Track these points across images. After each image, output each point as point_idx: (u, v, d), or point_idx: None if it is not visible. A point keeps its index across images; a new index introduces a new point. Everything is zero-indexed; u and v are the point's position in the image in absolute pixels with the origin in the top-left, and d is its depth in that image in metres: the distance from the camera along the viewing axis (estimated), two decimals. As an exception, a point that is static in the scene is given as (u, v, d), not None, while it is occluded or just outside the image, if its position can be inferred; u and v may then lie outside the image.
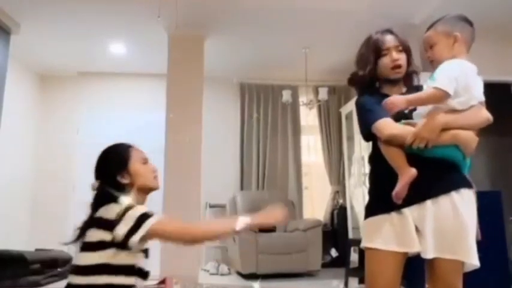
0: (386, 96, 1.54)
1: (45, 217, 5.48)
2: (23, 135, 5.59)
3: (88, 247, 1.38)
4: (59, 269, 4.22)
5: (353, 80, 1.67)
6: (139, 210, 1.38)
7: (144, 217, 1.37)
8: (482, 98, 1.51)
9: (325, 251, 5.31)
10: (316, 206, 6.30)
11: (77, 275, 1.37)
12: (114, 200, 1.44)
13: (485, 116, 1.48)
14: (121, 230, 1.34)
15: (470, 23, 1.56)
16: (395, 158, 1.46)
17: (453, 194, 1.42)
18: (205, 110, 4.48)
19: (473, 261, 1.40)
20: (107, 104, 5.85)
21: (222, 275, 5.03)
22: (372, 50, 1.59)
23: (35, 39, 4.85)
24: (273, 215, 1.49)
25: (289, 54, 5.25)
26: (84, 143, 5.73)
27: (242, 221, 1.41)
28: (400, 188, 1.42)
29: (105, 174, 1.54)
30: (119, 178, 1.51)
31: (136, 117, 5.60)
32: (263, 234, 4.85)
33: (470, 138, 1.44)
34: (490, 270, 3.00)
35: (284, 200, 5.68)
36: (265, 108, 6.09)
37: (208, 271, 5.05)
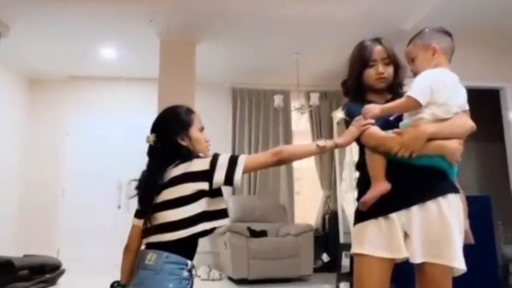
0: (372, 103, 1.59)
1: (33, 222, 5.41)
2: (11, 139, 5.52)
3: (180, 202, 1.45)
4: (47, 275, 4.16)
5: (344, 87, 1.71)
6: (225, 154, 1.50)
7: (234, 157, 1.49)
8: (466, 107, 1.54)
9: (317, 255, 5.31)
10: (307, 211, 6.31)
11: (174, 230, 1.43)
12: (187, 158, 1.50)
13: (469, 124, 1.51)
14: (220, 175, 1.45)
15: (449, 34, 1.59)
16: (375, 167, 1.50)
17: (440, 199, 1.44)
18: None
19: (459, 265, 1.42)
20: (98, 108, 5.82)
21: (213, 280, 5.00)
22: (360, 59, 1.63)
23: (25, 42, 4.81)
24: (349, 131, 1.55)
25: (281, 60, 5.27)
26: (74, 148, 5.69)
27: (324, 141, 1.56)
28: (370, 198, 1.46)
29: (165, 133, 1.59)
30: (178, 139, 1.57)
31: (127, 122, 5.57)
32: (254, 239, 4.84)
33: (455, 148, 1.46)
34: (480, 274, 3.03)
35: (276, 205, 5.69)
36: (257, 113, 6.11)
37: (199, 276, 5.01)
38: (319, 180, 6.12)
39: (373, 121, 1.50)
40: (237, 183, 1.46)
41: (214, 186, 1.46)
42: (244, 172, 1.47)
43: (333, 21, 4.27)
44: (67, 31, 4.57)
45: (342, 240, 5.33)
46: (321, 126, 6.23)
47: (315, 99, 5.23)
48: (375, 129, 1.50)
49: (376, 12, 4.06)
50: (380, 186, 1.45)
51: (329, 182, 6.09)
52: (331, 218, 5.79)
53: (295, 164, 6.15)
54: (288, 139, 6.14)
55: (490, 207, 3.37)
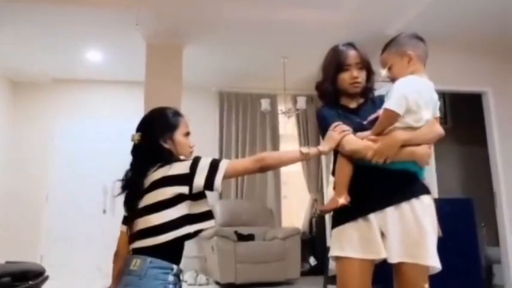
0: (345, 107, 1.66)
1: (16, 228, 5.29)
2: (-6, 143, 5.41)
3: (160, 206, 1.43)
4: (30, 282, 4.05)
5: (318, 90, 1.74)
6: (206, 158, 1.48)
7: (215, 161, 1.46)
8: (437, 114, 1.61)
9: (304, 259, 5.32)
10: (294, 214, 6.32)
11: (157, 235, 1.41)
12: (168, 161, 1.48)
13: (438, 131, 1.57)
14: (200, 179, 1.42)
15: (422, 40, 1.64)
16: (342, 176, 1.57)
17: (413, 201, 1.50)
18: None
19: (433, 263, 1.46)
20: (82, 112, 5.75)
21: (200, 285, 4.97)
22: (335, 63, 1.66)
23: (8, 43, 4.72)
24: (330, 138, 1.55)
25: (268, 64, 5.29)
26: (58, 152, 5.61)
27: (307, 148, 1.55)
28: (328, 209, 1.57)
29: (149, 133, 1.57)
30: (161, 141, 1.55)
31: (112, 125, 5.51)
32: (242, 244, 4.83)
33: (424, 153, 1.53)
34: (464, 275, 3.08)
35: (263, 209, 5.69)
36: (244, 117, 6.11)
37: (186, 281, 4.97)
38: (306, 184, 6.14)
39: (351, 129, 1.55)
40: (217, 188, 1.44)
41: (194, 190, 1.44)
42: (225, 177, 1.44)
43: (319, 26, 4.31)
44: (52, 33, 4.50)
45: (329, 243, 5.35)
46: (307, 130, 6.26)
47: (301, 103, 5.26)
48: (352, 137, 1.54)
49: (362, 17, 4.10)
50: (338, 201, 1.53)
51: (316, 185, 6.11)
52: (318, 222, 5.82)
53: (283, 168, 6.15)
54: (275, 143, 6.15)
55: (473, 210, 3.43)
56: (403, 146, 1.49)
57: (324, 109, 1.68)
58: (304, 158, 1.54)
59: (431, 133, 1.54)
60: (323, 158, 5.90)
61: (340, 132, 1.53)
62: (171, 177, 1.44)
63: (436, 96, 1.58)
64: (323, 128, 1.62)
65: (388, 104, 1.49)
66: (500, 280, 4.32)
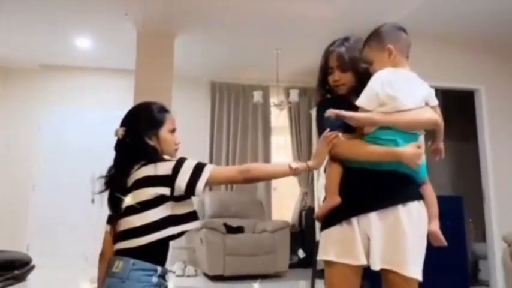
0: (348, 103, 1.55)
1: (2, 217, 5.22)
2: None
3: (142, 206, 1.39)
4: (16, 272, 4.00)
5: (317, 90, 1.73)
6: (191, 160, 1.43)
7: (200, 165, 1.42)
8: (433, 102, 1.54)
9: (293, 251, 5.33)
10: (284, 207, 6.32)
11: (139, 236, 1.38)
12: (152, 159, 1.44)
13: (432, 116, 1.49)
14: (182, 182, 1.38)
15: (404, 30, 1.57)
16: (332, 179, 1.52)
17: (399, 207, 1.42)
18: (174, 109, 4.39)
19: (412, 274, 1.40)
20: (71, 100, 5.65)
21: (188, 276, 4.96)
22: (321, 66, 1.65)
23: (-5, 29, 4.62)
24: (319, 153, 1.50)
25: (261, 55, 5.24)
26: (46, 141, 5.52)
27: (296, 162, 1.49)
28: (322, 212, 1.51)
29: (133, 128, 1.52)
30: (146, 138, 1.50)
31: (101, 114, 5.43)
32: (231, 236, 4.81)
33: (412, 154, 1.41)
34: (451, 270, 3.10)
35: (253, 201, 5.68)
36: (236, 108, 6.06)
37: (174, 272, 4.96)
38: (297, 177, 6.14)
39: (339, 133, 1.47)
40: (199, 193, 1.39)
41: (176, 193, 1.40)
42: (208, 183, 1.40)
43: (313, 19, 4.26)
44: (39, 18, 4.39)
45: (318, 237, 5.35)
46: (299, 122, 6.24)
47: (294, 96, 5.22)
48: (338, 140, 1.48)
49: (355, 10, 4.07)
50: (332, 201, 1.49)
51: (306, 178, 6.11)
52: (307, 214, 5.83)
53: (274, 160, 6.15)
54: (266, 135, 6.13)
55: (462, 208, 3.45)
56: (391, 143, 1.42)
57: (324, 105, 1.60)
58: (293, 173, 1.48)
59: (415, 120, 1.45)
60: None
61: (328, 143, 1.47)
62: (154, 178, 1.40)
63: (422, 85, 1.52)
64: (318, 127, 1.60)
65: (358, 101, 1.46)
66: (486, 276, 4.37)
